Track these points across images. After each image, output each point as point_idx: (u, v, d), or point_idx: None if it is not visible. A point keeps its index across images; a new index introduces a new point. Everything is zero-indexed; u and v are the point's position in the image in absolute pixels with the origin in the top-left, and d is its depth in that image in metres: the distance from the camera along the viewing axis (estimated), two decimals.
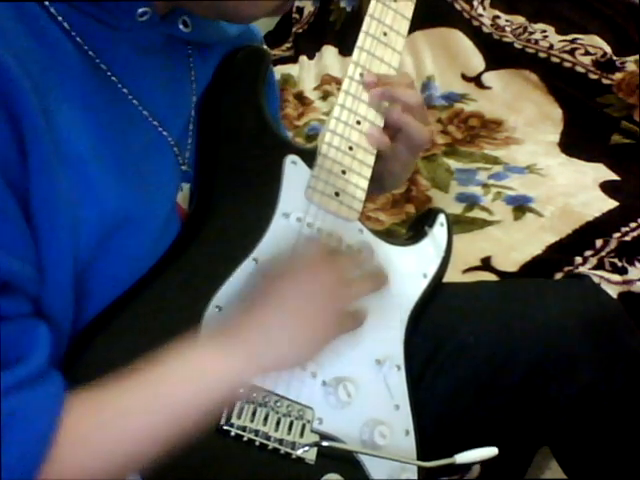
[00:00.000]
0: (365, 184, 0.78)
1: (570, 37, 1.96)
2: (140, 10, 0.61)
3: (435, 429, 0.79)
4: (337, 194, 0.76)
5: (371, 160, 0.79)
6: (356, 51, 0.80)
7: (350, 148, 0.78)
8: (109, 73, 0.63)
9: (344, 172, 0.77)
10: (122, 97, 0.64)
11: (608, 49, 1.89)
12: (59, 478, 0.52)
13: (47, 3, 0.58)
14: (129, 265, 0.64)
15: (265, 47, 0.82)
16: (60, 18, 0.58)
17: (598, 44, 1.91)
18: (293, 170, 0.76)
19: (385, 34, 0.81)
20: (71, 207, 0.56)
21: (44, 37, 0.57)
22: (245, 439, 0.65)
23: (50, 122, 0.55)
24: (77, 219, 0.57)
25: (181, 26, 0.68)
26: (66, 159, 0.56)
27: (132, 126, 0.64)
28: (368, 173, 0.79)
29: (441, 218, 0.86)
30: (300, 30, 2.37)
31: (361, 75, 0.80)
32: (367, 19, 0.81)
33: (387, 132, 0.80)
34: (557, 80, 1.92)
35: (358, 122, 0.79)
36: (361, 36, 0.80)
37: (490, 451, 0.73)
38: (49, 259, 0.55)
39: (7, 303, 0.52)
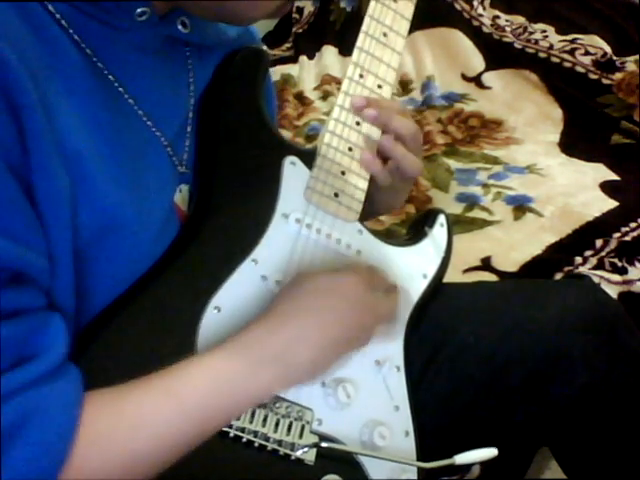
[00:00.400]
0: (364, 185, 0.78)
1: (570, 37, 1.96)
2: (139, 10, 0.61)
3: (435, 429, 0.79)
4: (336, 195, 0.76)
5: None
6: (356, 51, 0.80)
7: (349, 149, 0.78)
8: (106, 72, 0.62)
9: (343, 173, 0.77)
10: (118, 96, 0.64)
11: (608, 49, 1.89)
12: (79, 474, 0.52)
13: (46, 2, 0.58)
14: (128, 265, 0.64)
15: (264, 48, 0.82)
16: (58, 16, 0.58)
17: (598, 44, 1.91)
18: (292, 171, 0.75)
19: (385, 34, 0.81)
20: (70, 203, 0.56)
21: (43, 34, 0.57)
22: (244, 440, 0.65)
23: (50, 118, 0.55)
24: (75, 216, 0.57)
25: (180, 27, 0.68)
26: (66, 155, 0.56)
27: (128, 125, 0.64)
28: (367, 174, 0.78)
29: (441, 218, 0.86)
30: (300, 30, 2.37)
31: (361, 76, 0.80)
32: (367, 19, 0.81)
33: (379, 156, 0.79)
34: (557, 80, 1.92)
35: (357, 123, 0.78)
36: (361, 36, 0.80)
37: (490, 452, 0.73)
38: (53, 253, 0.56)
39: (22, 295, 0.52)
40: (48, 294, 0.56)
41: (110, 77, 0.63)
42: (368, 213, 0.82)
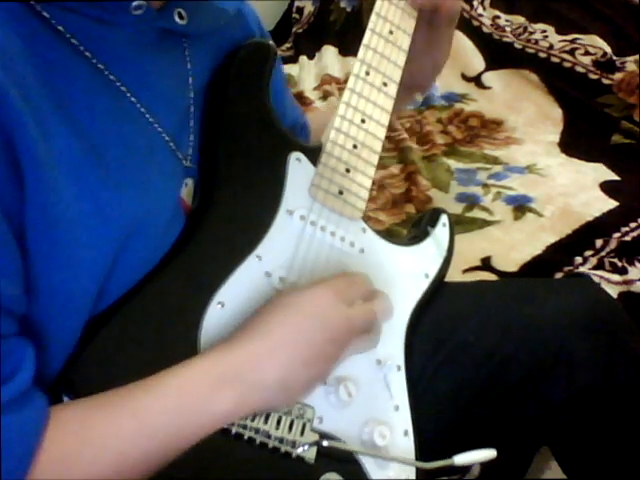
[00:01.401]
0: (369, 183, 0.78)
1: (570, 37, 1.96)
2: (135, 3, 0.61)
3: (434, 429, 0.79)
4: (341, 192, 0.76)
5: (375, 159, 0.79)
6: (362, 49, 0.80)
7: (354, 146, 0.78)
8: (107, 72, 0.62)
9: (348, 170, 0.77)
10: (121, 96, 0.63)
11: (608, 49, 1.89)
12: None
13: (39, 8, 0.57)
14: (137, 264, 0.64)
15: (270, 42, 0.81)
16: (54, 22, 0.58)
17: (598, 44, 1.91)
18: (297, 167, 0.75)
19: (391, 32, 0.81)
20: (72, 226, 0.56)
21: (38, 46, 0.56)
22: (246, 437, 0.64)
23: (46, 137, 0.54)
24: (81, 234, 0.57)
25: (176, 18, 0.67)
26: (64, 172, 0.56)
27: (132, 125, 0.64)
28: (372, 172, 0.78)
29: (443, 218, 0.86)
30: (300, 30, 2.38)
31: (367, 73, 0.80)
32: (374, 17, 0.81)
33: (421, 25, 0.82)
34: (557, 80, 1.92)
35: (363, 120, 0.78)
36: (367, 34, 0.80)
37: (489, 453, 0.72)
38: (39, 272, 0.55)
39: None
40: (23, 320, 0.55)
41: (111, 77, 0.62)
42: (410, 86, 0.86)
